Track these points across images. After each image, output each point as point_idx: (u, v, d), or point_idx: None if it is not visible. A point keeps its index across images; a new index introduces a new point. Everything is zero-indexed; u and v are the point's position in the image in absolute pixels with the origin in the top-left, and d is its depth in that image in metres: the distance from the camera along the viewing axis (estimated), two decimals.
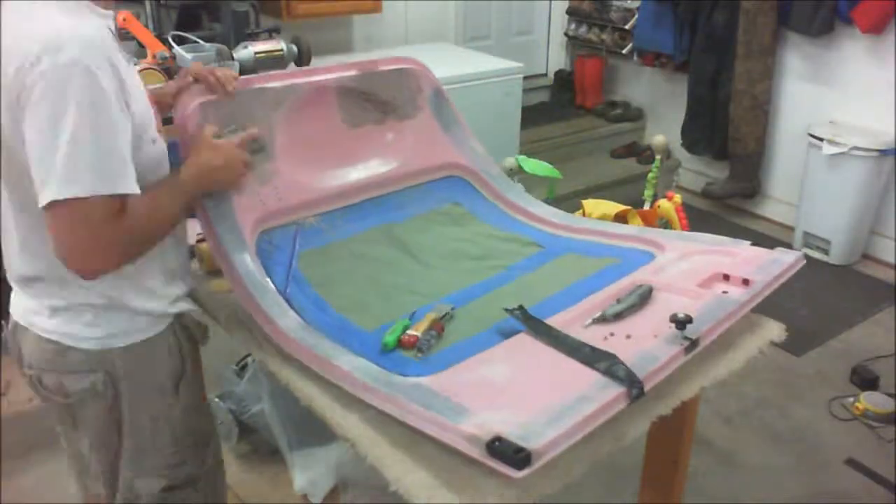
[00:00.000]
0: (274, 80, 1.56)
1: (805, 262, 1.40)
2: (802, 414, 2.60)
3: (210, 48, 2.81)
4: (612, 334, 1.22)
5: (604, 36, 4.66)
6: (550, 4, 4.92)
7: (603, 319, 1.27)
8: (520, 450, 0.92)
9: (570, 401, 1.02)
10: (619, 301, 1.31)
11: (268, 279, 1.35)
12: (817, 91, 3.75)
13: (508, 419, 0.98)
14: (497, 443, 0.94)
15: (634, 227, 1.71)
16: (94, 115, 1.04)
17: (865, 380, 2.72)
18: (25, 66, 1.03)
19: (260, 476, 2.01)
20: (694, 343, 1.16)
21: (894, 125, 3.42)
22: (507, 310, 1.29)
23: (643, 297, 1.32)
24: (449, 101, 1.83)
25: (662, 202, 1.95)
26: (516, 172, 2.63)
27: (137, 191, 1.12)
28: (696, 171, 4.39)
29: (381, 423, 1.12)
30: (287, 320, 1.27)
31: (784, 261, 1.39)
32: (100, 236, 1.08)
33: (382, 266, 1.51)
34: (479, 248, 1.62)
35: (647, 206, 2.13)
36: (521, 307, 1.28)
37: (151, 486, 1.35)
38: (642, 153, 4.56)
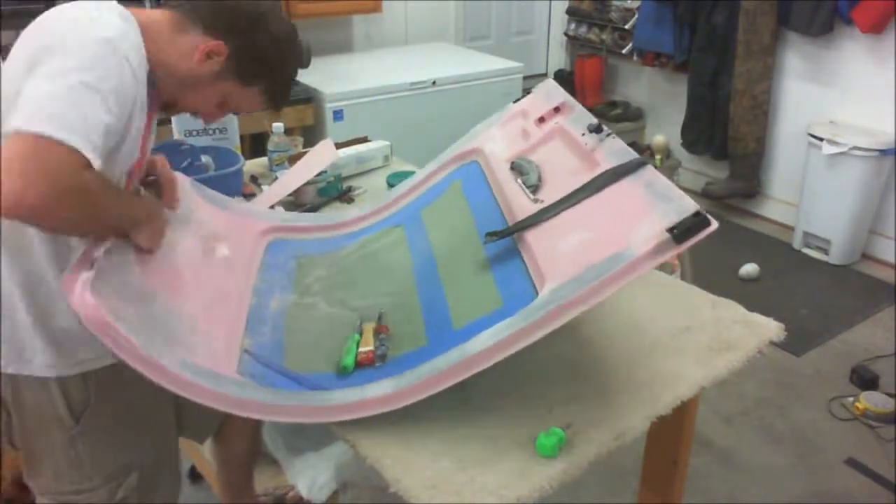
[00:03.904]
0: None
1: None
2: (802, 414, 2.60)
3: None
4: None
5: (604, 36, 4.66)
6: (550, 4, 4.91)
7: (534, 189, 1.36)
8: (694, 214, 0.99)
9: (650, 197, 1.11)
10: (521, 174, 1.41)
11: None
12: (817, 91, 3.75)
13: (652, 221, 1.04)
14: (675, 230, 0.99)
15: (433, 164, 1.70)
16: (95, 87, 0.95)
17: (865, 380, 2.71)
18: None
19: (260, 476, 2.02)
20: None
21: (894, 125, 3.42)
22: (487, 237, 1.29)
23: (529, 162, 1.43)
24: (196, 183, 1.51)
25: None
26: None
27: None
28: (695, 171, 4.39)
29: (380, 423, 1.12)
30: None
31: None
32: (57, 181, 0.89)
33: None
34: (363, 267, 1.51)
35: None
36: (490, 232, 1.29)
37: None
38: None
